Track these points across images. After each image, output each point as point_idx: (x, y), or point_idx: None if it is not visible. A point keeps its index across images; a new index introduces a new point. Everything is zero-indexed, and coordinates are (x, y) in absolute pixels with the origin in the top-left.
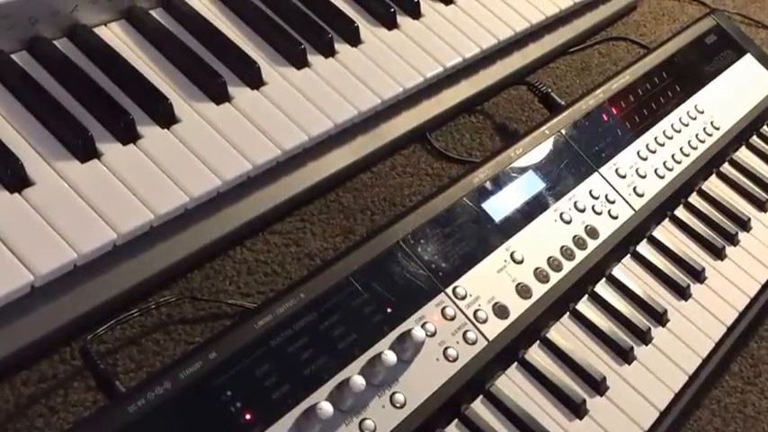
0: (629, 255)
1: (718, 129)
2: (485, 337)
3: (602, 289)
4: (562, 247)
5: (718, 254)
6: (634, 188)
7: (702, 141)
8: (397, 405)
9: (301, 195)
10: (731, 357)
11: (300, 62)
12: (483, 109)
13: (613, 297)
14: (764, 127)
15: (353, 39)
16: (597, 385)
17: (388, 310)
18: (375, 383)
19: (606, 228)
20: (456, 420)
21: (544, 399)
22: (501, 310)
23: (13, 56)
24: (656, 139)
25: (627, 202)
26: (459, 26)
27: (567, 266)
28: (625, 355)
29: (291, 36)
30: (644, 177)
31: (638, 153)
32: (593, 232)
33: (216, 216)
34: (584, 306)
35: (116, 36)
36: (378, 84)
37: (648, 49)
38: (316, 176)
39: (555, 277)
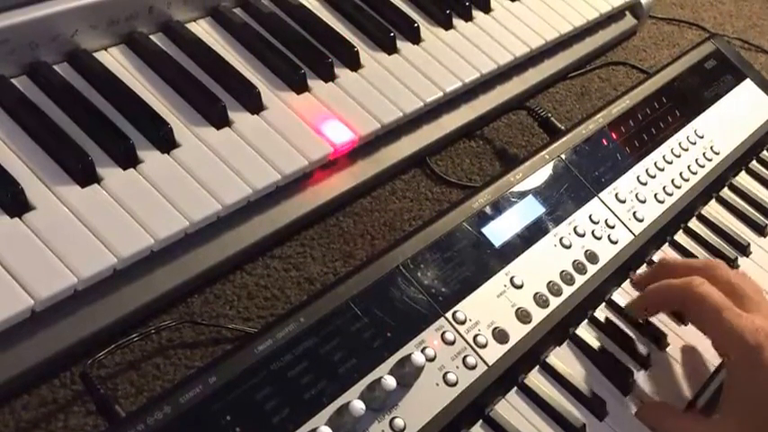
0: (628, 280)
1: (717, 154)
2: (484, 362)
3: (602, 314)
4: (562, 271)
5: None
6: (634, 213)
7: (702, 166)
8: (397, 430)
9: (301, 220)
10: None
11: (300, 86)
12: (483, 134)
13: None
14: (764, 152)
15: (353, 63)
16: (597, 410)
17: (388, 335)
18: (375, 408)
19: (606, 252)
20: None
21: (544, 423)
22: (501, 335)
23: (13, 80)
24: (655, 163)
25: (626, 226)
26: (458, 51)
27: (567, 291)
28: (625, 380)
29: (291, 61)
30: (644, 202)
31: (637, 178)
32: (592, 257)
33: (216, 240)
34: (584, 331)
35: (116, 61)
36: (377, 108)
37: (648, 74)
38: (315, 201)
39: (555, 302)
